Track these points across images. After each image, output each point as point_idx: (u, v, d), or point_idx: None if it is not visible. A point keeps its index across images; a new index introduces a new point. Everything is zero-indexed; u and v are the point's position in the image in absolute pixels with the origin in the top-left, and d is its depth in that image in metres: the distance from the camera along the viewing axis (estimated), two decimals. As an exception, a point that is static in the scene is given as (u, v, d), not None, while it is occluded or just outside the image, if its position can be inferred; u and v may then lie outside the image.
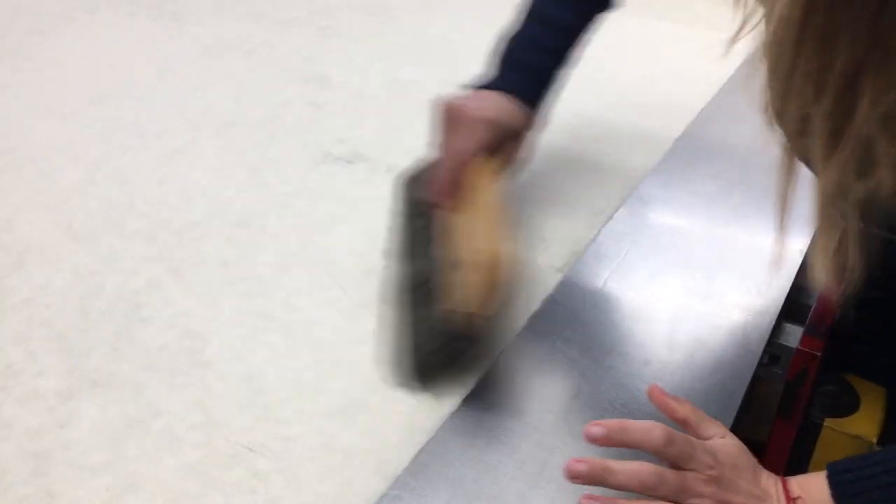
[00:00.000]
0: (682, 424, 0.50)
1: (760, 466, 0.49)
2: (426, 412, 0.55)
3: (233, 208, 0.77)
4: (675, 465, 0.47)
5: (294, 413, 0.55)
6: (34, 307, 0.63)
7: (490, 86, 0.68)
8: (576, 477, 0.46)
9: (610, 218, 0.76)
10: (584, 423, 0.48)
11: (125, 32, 1.12)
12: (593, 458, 0.46)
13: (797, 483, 0.48)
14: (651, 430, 0.47)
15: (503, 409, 0.56)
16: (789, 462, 0.71)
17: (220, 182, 0.80)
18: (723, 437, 0.49)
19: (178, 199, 0.77)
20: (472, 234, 0.59)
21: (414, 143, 0.88)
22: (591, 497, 0.46)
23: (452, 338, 0.56)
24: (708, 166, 0.85)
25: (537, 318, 0.64)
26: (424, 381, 0.57)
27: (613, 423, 0.47)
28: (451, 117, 0.66)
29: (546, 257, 0.70)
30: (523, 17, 0.71)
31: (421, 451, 0.52)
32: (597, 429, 0.47)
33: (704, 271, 0.69)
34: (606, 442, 0.47)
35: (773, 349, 0.66)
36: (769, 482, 0.48)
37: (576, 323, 0.63)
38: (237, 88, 0.99)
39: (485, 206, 0.62)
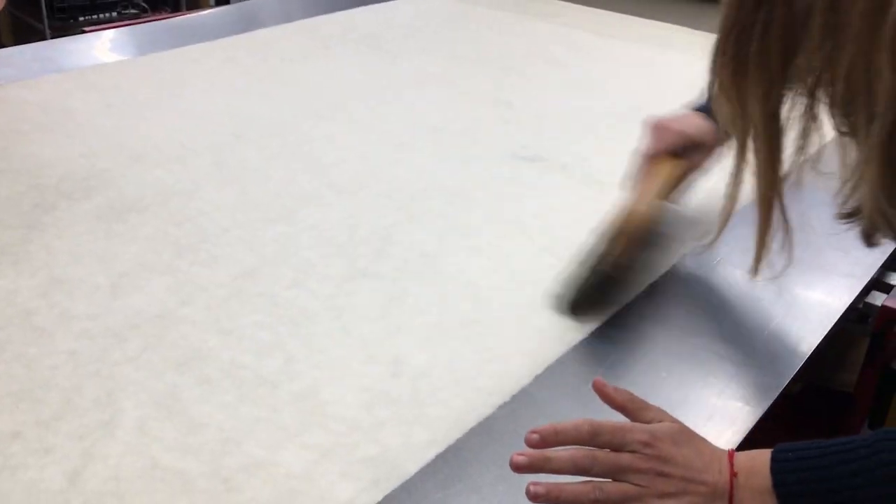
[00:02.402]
0: (621, 411, 0.56)
1: (706, 442, 0.54)
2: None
3: (447, 183, 1.03)
4: (615, 451, 0.53)
5: (499, 303, 0.80)
6: (318, 230, 0.91)
7: (696, 108, 0.89)
8: (518, 468, 0.52)
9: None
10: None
11: (353, 64, 1.43)
12: (532, 450, 0.53)
13: (745, 457, 0.53)
14: (579, 426, 0.53)
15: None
16: (873, 409, 0.89)
17: (435, 166, 1.07)
18: (661, 420, 0.54)
19: (408, 174, 1.04)
20: (629, 203, 0.84)
21: (580, 150, 1.13)
22: (536, 483, 0.51)
23: (599, 277, 0.77)
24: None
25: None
26: (575, 311, 0.77)
27: (546, 428, 0.53)
28: (654, 128, 0.88)
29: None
30: None
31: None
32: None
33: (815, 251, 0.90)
34: (542, 445, 0.53)
35: (863, 309, 0.85)
36: (714, 455, 0.53)
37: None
38: (441, 107, 1.27)
39: (649, 187, 0.86)
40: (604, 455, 0.52)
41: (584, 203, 1.00)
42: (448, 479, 0.60)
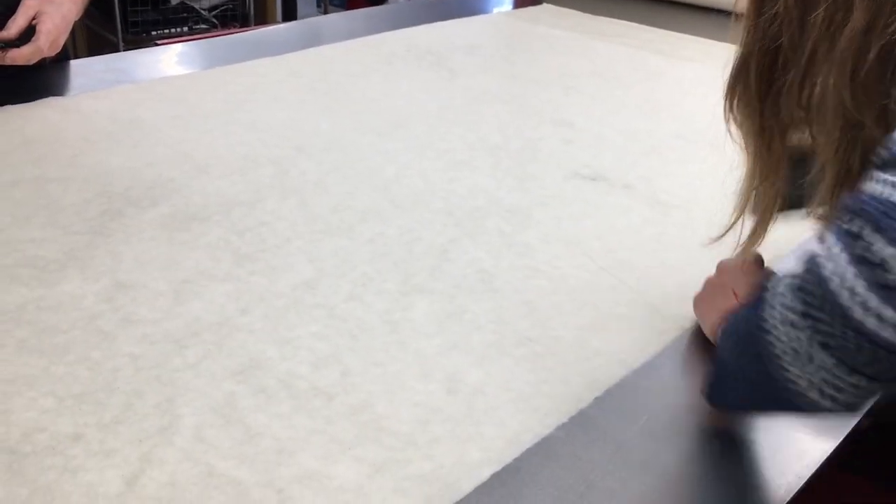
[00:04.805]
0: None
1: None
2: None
3: (505, 202, 1.02)
4: None
5: (557, 323, 0.78)
6: (376, 244, 0.91)
7: None
8: None
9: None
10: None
11: (414, 80, 1.44)
12: None
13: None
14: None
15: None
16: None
17: (494, 184, 1.07)
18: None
19: (465, 192, 1.04)
20: None
21: (644, 172, 1.11)
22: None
23: None
24: None
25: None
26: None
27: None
28: None
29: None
30: None
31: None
32: None
33: None
34: None
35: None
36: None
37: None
38: (501, 126, 1.27)
39: None
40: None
41: (648, 225, 0.98)
42: (503, 500, 0.59)
